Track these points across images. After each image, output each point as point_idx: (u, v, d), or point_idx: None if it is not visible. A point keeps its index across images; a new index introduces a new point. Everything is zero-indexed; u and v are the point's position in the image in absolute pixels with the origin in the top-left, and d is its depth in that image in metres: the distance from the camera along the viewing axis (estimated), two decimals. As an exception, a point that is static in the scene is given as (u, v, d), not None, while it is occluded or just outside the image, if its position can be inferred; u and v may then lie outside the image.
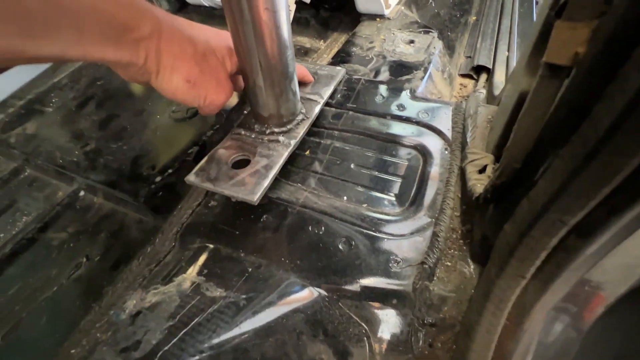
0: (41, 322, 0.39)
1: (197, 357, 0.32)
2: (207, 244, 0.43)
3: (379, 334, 0.36)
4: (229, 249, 0.43)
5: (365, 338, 0.36)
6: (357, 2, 0.78)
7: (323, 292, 0.38)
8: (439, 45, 0.69)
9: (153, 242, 0.45)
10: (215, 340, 0.33)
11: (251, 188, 0.41)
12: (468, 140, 0.44)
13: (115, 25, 0.31)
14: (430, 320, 0.35)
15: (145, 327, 0.34)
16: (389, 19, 0.79)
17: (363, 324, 0.36)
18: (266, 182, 0.41)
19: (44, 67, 0.78)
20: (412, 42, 0.69)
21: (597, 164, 0.17)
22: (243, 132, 0.48)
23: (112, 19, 0.31)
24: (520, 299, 0.28)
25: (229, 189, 0.41)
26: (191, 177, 0.42)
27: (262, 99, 0.44)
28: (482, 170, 0.38)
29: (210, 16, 0.97)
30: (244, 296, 0.37)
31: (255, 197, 0.39)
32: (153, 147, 0.55)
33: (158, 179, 0.50)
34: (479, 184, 0.35)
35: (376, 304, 0.37)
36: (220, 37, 0.41)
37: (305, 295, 0.38)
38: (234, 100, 0.63)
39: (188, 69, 0.37)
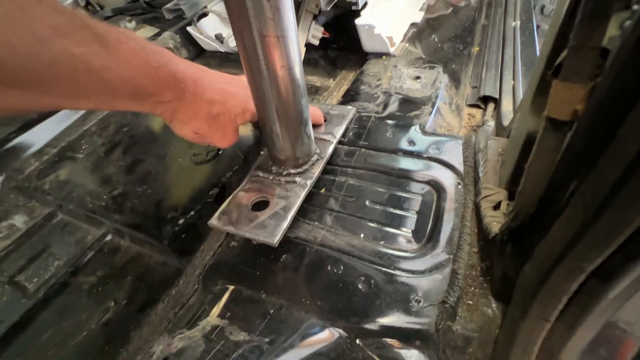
0: (72, 368, 0.41)
1: (223, 406, 0.32)
2: (229, 285, 0.44)
3: (404, 378, 0.36)
4: (250, 290, 0.43)
5: (389, 382, 0.36)
6: (363, 43, 0.82)
7: (344, 334, 0.38)
8: (444, 79, 0.72)
9: (177, 285, 0.47)
10: (241, 387, 0.34)
11: (271, 230, 0.42)
12: (480, 175, 0.45)
13: (143, 93, 0.36)
14: (454, 362, 0.35)
15: (173, 375, 0.35)
16: (394, 56, 0.83)
17: (387, 367, 0.36)
18: (285, 224, 0.43)
19: (76, 116, 0.84)
20: (418, 77, 0.72)
21: (608, 216, 0.18)
22: (261, 174, 0.50)
23: (142, 89, 0.36)
24: (546, 343, 0.27)
25: (250, 232, 0.42)
26: (214, 221, 0.44)
27: (279, 144, 0.46)
28: (496, 207, 0.39)
29: (226, 60, 1.04)
30: (267, 340, 0.37)
31: (275, 240, 0.41)
32: (176, 190, 0.58)
33: (181, 221, 0.53)
34: (494, 222, 0.35)
35: (399, 345, 0.37)
36: (237, 97, 0.45)
37: (327, 336, 0.38)
38: (248, 132, 0.66)
39: (198, 126, 0.42)
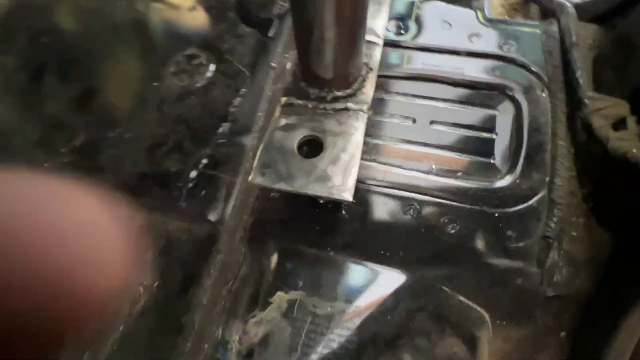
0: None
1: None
2: (286, 246, 0.37)
3: (501, 314, 0.35)
4: (313, 248, 0.37)
5: (488, 320, 0.34)
6: None
7: (438, 285, 0.34)
8: None
9: (216, 254, 0.38)
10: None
11: (340, 181, 0.32)
12: (579, 79, 0.37)
13: None
14: (555, 294, 0.34)
15: (269, 368, 0.30)
16: None
17: (483, 308, 0.34)
18: (354, 170, 0.33)
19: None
20: None
21: None
22: (296, 102, 0.37)
23: None
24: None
25: (314, 188, 0.32)
26: (257, 178, 0.33)
27: (329, 57, 0.32)
28: (617, 124, 0.32)
29: None
30: (360, 305, 0.33)
31: (351, 195, 0.32)
32: (168, 130, 0.43)
33: (193, 173, 0.40)
34: (631, 147, 0.29)
35: (497, 286, 0.34)
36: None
37: (421, 290, 0.34)
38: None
39: None
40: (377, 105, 0.42)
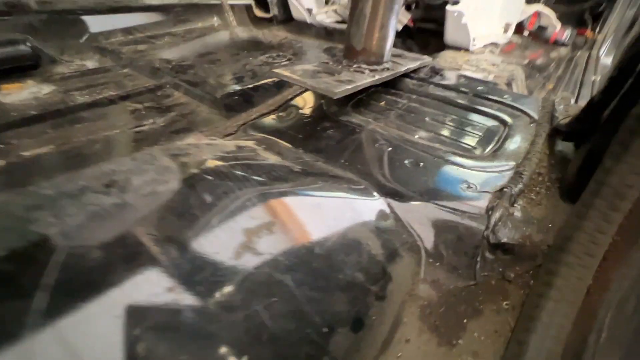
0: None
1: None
2: (268, 137, 0.43)
3: (437, 251, 0.31)
4: (288, 144, 0.41)
5: (421, 250, 0.31)
6: (446, 32, 0.85)
7: (383, 198, 0.34)
8: (520, 74, 0.71)
9: (217, 126, 0.46)
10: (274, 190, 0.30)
11: (333, 86, 0.41)
12: (557, 115, 0.42)
13: None
14: (503, 241, 0.29)
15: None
16: (472, 53, 0.84)
17: (420, 236, 0.31)
18: (348, 87, 0.41)
19: (162, 17, 0.92)
20: (494, 64, 0.72)
21: None
22: (331, 63, 0.50)
23: None
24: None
25: (312, 82, 0.41)
26: (278, 69, 0.44)
27: (362, 29, 0.47)
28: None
29: (306, 29, 1.12)
30: (298, 168, 0.34)
31: (337, 90, 0.40)
32: (234, 68, 0.60)
33: (236, 87, 0.53)
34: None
35: (439, 220, 0.32)
36: None
37: (363, 195, 0.34)
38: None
39: None
40: (391, 101, 0.52)
